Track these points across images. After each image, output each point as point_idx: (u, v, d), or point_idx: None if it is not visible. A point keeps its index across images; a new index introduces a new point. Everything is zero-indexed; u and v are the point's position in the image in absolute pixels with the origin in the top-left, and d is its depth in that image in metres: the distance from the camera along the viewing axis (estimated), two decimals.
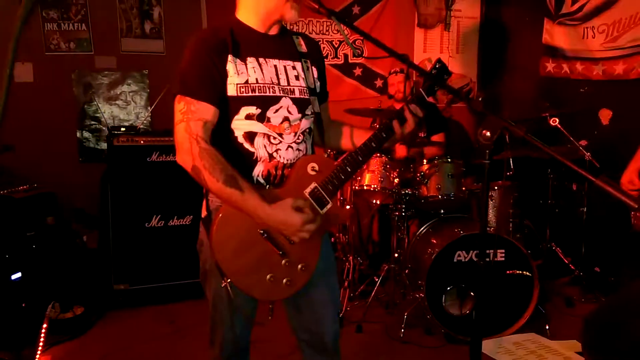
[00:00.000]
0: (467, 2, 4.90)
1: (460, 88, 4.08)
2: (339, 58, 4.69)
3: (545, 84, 4.24)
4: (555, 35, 4.15)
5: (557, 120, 3.39)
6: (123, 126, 3.81)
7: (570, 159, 3.17)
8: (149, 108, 4.21)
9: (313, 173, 1.54)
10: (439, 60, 1.62)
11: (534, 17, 4.33)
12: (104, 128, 4.17)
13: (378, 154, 3.44)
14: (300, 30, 4.46)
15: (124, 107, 4.25)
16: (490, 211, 3.38)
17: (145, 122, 4.14)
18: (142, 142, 3.38)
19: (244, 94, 1.50)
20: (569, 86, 4.00)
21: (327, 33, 4.63)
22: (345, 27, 1.55)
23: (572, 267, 3.64)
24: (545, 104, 3.60)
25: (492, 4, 4.88)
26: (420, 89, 1.61)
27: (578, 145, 3.43)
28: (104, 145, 4.12)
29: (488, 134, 1.33)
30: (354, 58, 4.71)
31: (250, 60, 1.52)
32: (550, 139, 3.71)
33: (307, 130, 1.63)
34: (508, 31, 4.74)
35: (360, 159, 1.59)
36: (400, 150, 3.65)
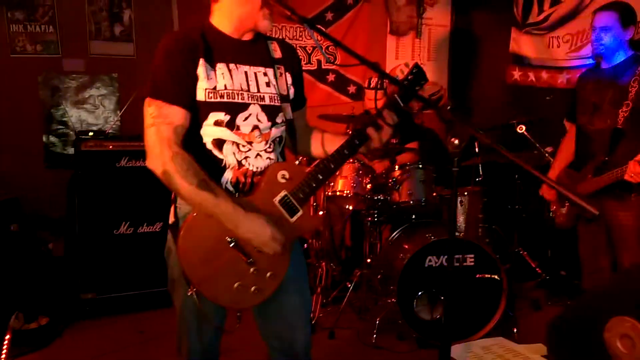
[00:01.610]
0: (438, 11, 5.00)
1: (432, 95, 4.14)
2: (312, 64, 4.71)
3: (512, 92, 4.35)
4: (522, 44, 4.27)
5: (524, 127, 3.48)
6: (91, 131, 3.74)
7: (536, 165, 3.26)
8: (118, 112, 4.13)
9: (283, 181, 1.53)
10: (416, 65, 1.60)
11: (502, 26, 4.44)
12: (71, 132, 4.07)
13: (351, 160, 3.46)
14: (273, 36, 4.47)
15: (92, 111, 4.16)
16: (460, 216, 3.43)
17: (114, 126, 4.07)
18: (111, 147, 3.32)
19: (212, 100, 1.49)
20: (535, 94, 4.11)
21: (300, 39, 4.65)
22: (317, 34, 1.55)
23: (539, 271, 3.73)
24: (512, 111, 3.69)
25: (461, 13, 4.98)
26: (396, 96, 1.58)
27: (544, 152, 3.52)
28: (71, 150, 4.02)
29: (456, 142, 1.36)
30: (327, 64, 4.73)
31: (220, 67, 1.51)
32: (518, 146, 3.80)
33: (278, 138, 1.63)
34: (477, 39, 4.85)
35: (332, 166, 1.58)
36: (380, 166, 3.68)
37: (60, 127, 4.10)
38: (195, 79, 1.47)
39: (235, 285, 1.47)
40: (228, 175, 1.52)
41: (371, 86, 3.93)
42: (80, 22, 4.01)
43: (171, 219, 1.54)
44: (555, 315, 1.85)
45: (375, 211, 3.41)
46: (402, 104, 1.58)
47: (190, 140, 1.48)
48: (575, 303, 2.54)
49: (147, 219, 3.36)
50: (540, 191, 2.83)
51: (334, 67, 4.78)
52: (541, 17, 4.06)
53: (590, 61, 3.50)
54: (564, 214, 2.74)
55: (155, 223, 3.38)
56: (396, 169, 3.34)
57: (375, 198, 3.37)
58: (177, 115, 1.45)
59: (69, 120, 4.05)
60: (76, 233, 3.26)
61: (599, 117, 2.51)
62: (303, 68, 5.08)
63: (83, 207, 3.26)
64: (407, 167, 3.30)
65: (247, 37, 1.59)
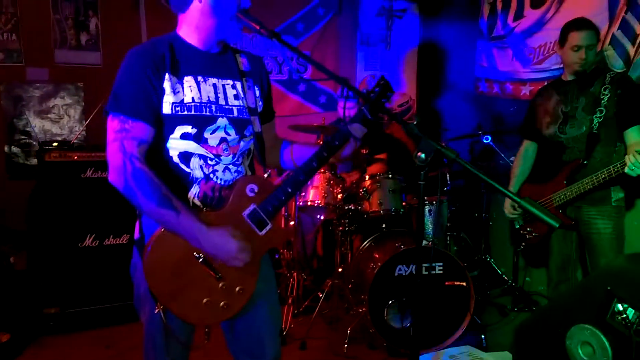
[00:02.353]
0: (407, 22, 5.10)
1: (401, 105, 4.20)
2: (282, 74, 4.72)
3: (478, 103, 4.46)
4: (488, 56, 4.38)
5: (490, 137, 3.57)
6: (55, 141, 3.64)
7: (501, 174, 3.30)
8: (83, 122, 4.04)
9: (252, 194, 1.53)
10: (382, 77, 1.62)
11: (469, 38, 4.55)
12: (34, 143, 3.96)
13: (322, 170, 3.48)
14: (244, 46, 4.48)
15: (56, 121, 4.06)
16: (429, 225, 3.48)
17: (79, 136, 3.97)
18: (75, 157, 3.24)
19: (179, 113, 1.47)
20: (501, 105, 4.22)
21: (271, 49, 4.66)
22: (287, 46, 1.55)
23: (505, 278, 3.82)
24: (479, 122, 3.78)
25: (430, 25, 5.09)
26: (363, 109, 1.59)
27: (509, 162, 3.62)
28: (34, 161, 3.90)
29: (422, 156, 1.38)
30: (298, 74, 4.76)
31: (188, 79, 1.50)
32: (484, 155, 3.90)
33: (247, 151, 1.62)
34: (445, 51, 4.95)
35: (302, 178, 1.59)
36: (351, 176, 3.71)
37: (23, 137, 3.98)
38: (160, 93, 1.45)
39: (204, 301, 1.45)
40: (195, 190, 1.51)
41: (342, 95, 3.99)
42: (45, 30, 3.92)
43: (136, 235, 1.51)
44: (521, 322, 1.89)
45: (347, 221, 3.44)
46: (369, 116, 1.60)
47: (155, 155, 1.47)
48: (539, 311, 2.61)
49: (114, 231, 3.29)
50: (505, 209, 2.91)
51: (304, 77, 4.80)
52: (505, 30, 4.18)
53: (554, 74, 3.64)
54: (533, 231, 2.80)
55: (122, 235, 3.32)
56: (367, 179, 3.37)
57: (346, 208, 3.40)
58: (141, 130, 1.43)
59: (32, 130, 3.94)
60: (39, 246, 3.16)
61: (572, 124, 2.60)
62: (274, 78, 5.10)
63: (46, 219, 3.17)
64: (378, 177, 3.34)
65: (215, 49, 1.58)
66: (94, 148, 3.36)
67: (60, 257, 3.17)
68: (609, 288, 1.21)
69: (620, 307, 1.19)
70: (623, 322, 1.18)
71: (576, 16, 2.67)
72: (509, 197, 1.31)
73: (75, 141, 3.77)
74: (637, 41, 3.14)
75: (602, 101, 2.51)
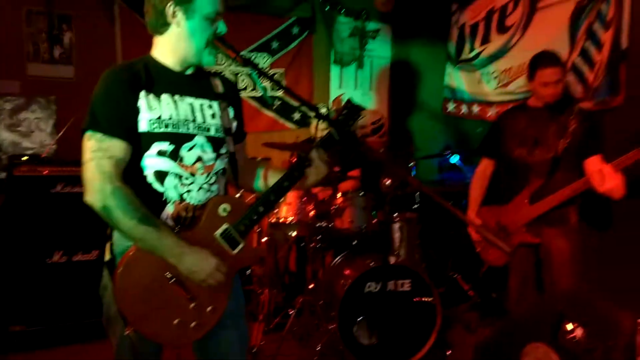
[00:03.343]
0: (379, 44, 5.23)
1: (373, 123, 4.29)
2: (257, 90, 4.77)
3: (447, 123, 4.60)
4: (456, 78, 4.54)
5: (458, 157, 3.69)
6: (25, 155, 3.59)
7: (467, 192, 3.38)
8: (55, 136, 4.00)
9: (225, 214, 1.56)
10: (348, 101, 1.70)
11: (438, 60, 4.71)
12: (3, 157, 3.89)
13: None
14: (220, 63, 4.52)
15: (27, 135, 4.00)
16: (398, 243, 3.56)
17: (50, 150, 3.92)
18: (45, 172, 3.21)
19: (156, 130, 1.49)
20: (468, 126, 4.37)
21: (246, 66, 4.69)
22: (259, 68, 1.62)
23: (472, 294, 3.91)
24: (447, 141, 3.91)
25: (401, 46, 5.24)
26: (331, 132, 1.68)
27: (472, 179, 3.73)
28: (2, 175, 3.82)
29: (389, 182, 1.45)
30: (272, 92, 4.81)
31: (165, 97, 1.53)
32: (453, 174, 4.02)
33: (221, 170, 1.66)
34: (416, 72, 5.10)
35: (273, 198, 1.64)
36: (324, 192, 3.76)
37: None
38: (137, 111, 1.47)
39: (175, 321, 1.47)
40: (169, 210, 1.53)
41: (314, 115, 4.04)
42: (18, 43, 3.88)
43: (107, 256, 1.52)
44: (481, 339, 1.96)
45: (318, 237, 3.48)
46: (337, 138, 1.67)
47: (130, 173, 1.48)
48: (497, 329, 2.70)
49: (83, 247, 3.26)
50: (470, 232, 3.01)
51: (279, 93, 4.86)
52: (473, 54, 4.35)
53: (519, 97, 3.79)
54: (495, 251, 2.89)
55: (92, 251, 3.28)
56: (339, 197, 3.43)
57: (318, 225, 3.44)
58: (118, 148, 1.44)
59: (1, 144, 3.87)
60: (6, 262, 3.10)
61: (542, 149, 2.73)
62: (248, 94, 5.14)
63: (14, 234, 3.11)
64: (349, 195, 3.41)
65: (189, 71, 1.63)
66: (65, 163, 3.33)
67: (27, 273, 3.12)
68: (560, 309, 1.29)
69: (570, 326, 1.27)
70: (573, 341, 1.26)
71: (539, 42, 2.80)
72: (467, 222, 1.39)
73: (45, 155, 3.72)
74: (595, 68, 3.31)
75: (569, 129, 2.65)
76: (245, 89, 4.62)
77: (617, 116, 3.06)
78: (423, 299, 3.03)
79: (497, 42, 4.10)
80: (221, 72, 1.93)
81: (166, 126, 1.51)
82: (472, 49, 4.35)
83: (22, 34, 3.89)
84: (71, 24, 4.03)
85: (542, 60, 2.71)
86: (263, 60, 4.75)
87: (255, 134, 4.39)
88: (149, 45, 1.63)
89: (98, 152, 1.42)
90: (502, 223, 2.81)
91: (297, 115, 4.95)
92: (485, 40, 4.21)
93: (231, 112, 1.71)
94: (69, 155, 3.66)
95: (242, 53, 1.59)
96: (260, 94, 4.70)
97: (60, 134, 3.83)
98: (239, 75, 4.60)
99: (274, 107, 4.82)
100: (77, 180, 3.22)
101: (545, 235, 2.72)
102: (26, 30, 3.89)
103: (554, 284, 2.72)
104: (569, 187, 2.53)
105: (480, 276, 3.84)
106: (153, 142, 1.50)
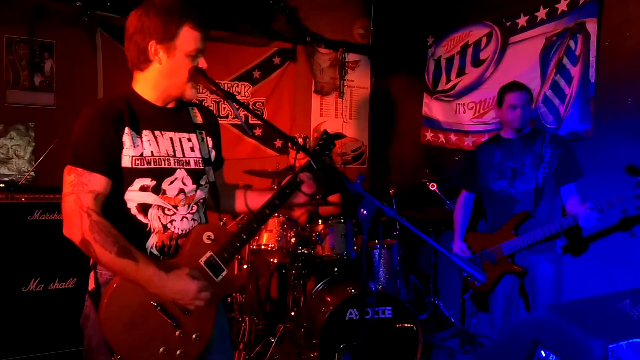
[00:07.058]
0: (359, 74, 5.37)
1: (354, 151, 4.38)
2: (238, 118, 4.81)
3: (425, 151, 4.70)
4: (433, 108, 4.67)
5: (435, 185, 3.77)
6: (2, 182, 3.54)
7: (447, 219, 3.46)
8: (33, 163, 3.96)
9: (209, 242, 1.59)
10: (324, 132, 1.81)
11: (416, 90, 4.84)
12: None
13: (276, 214, 3.54)
14: (202, 92, 4.56)
15: (5, 162, 3.95)
16: (380, 269, 3.59)
17: (28, 177, 3.87)
18: (23, 199, 3.16)
19: (139, 167, 1.52)
20: (446, 154, 4.48)
21: (226, 99, 4.75)
22: (240, 106, 1.68)
23: (453, 321, 3.95)
24: (425, 169, 3.99)
25: (380, 76, 5.39)
26: (311, 162, 1.77)
27: (454, 209, 3.81)
28: None
29: (365, 212, 1.49)
30: (254, 119, 4.87)
31: (146, 134, 1.56)
32: (431, 202, 4.09)
33: (202, 200, 1.69)
34: (395, 101, 5.23)
35: (255, 225, 1.67)
36: (303, 218, 3.78)
37: None
38: (120, 146, 1.50)
39: (161, 350, 1.47)
40: (153, 240, 1.55)
41: (292, 146, 4.09)
42: None
43: (91, 286, 1.52)
44: None
45: (300, 264, 3.49)
46: (314, 167, 1.77)
47: (113, 207, 1.50)
48: (477, 356, 2.72)
49: (60, 275, 3.19)
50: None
51: (260, 122, 4.91)
52: (449, 85, 4.49)
53: (493, 127, 3.92)
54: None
55: (68, 279, 3.22)
56: (319, 223, 3.46)
57: (299, 251, 3.46)
58: (98, 183, 1.46)
59: None
60: None
61: (522, 179, 2.82)
62: (230, 122, 5.17)
63: None
64: (330, 222, 3.44)
65: (170, 105, 1.66)
66: (43, 190, 3.29)
67: (2, 302, 3.04)
68: (533, 336, 1.33)
69: (543, 354, 1.30)
70: None
71: (512, 75, 2.95)
72: (442, 252, 1.44)
73: (23, 182, 3.68)
74: (566, 101, 3.46)
75: (545, 158, 2.76)
76: (227, 116, 4.67)
77: (586, 146, 3.19)
78: (405, 325, 3.05)
79: (472, 74, 4.25)
80: (201, 101, 1.97)
81: (148, 163, 1.54)
82: (448, 81, 4.50)
83: (3, 61, 3.88)
84: (53, 52, 4.04)
85: (509, 86, 2.91)
86: (245, 89, 4.82)
87: (236, 161, 4.42)
88: (130, 73, 1.66)
89: (78, 187, 1.44)
90: (488, 251, 2.88)
91: (278, 143, 5.00)
92: (461, 72, 4.35)
93: (210, 142, 1.75)
94: (47, 182, 3.62)
95: (224, 82, 1.65)
96: (242, 122, 4.74)
97: (38, 161, 3.79)
98: (220, 102, 4.64)
99: (256, 135, 4.87)
100: (54, 207, 3.22)
101: (529, 259, 2.79)
102: (7, 58, 3.89)
103: (535, 310, 2.78)
104: (552, 224, 2.62)
105: (461, 301, 3.89)
106: (135, 178, 1.52)
